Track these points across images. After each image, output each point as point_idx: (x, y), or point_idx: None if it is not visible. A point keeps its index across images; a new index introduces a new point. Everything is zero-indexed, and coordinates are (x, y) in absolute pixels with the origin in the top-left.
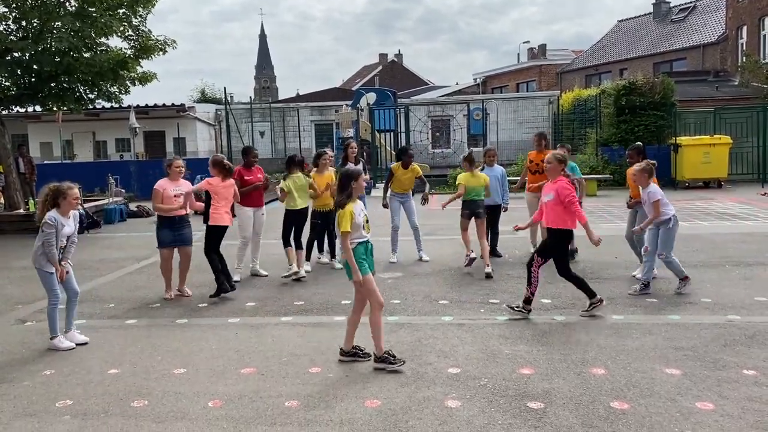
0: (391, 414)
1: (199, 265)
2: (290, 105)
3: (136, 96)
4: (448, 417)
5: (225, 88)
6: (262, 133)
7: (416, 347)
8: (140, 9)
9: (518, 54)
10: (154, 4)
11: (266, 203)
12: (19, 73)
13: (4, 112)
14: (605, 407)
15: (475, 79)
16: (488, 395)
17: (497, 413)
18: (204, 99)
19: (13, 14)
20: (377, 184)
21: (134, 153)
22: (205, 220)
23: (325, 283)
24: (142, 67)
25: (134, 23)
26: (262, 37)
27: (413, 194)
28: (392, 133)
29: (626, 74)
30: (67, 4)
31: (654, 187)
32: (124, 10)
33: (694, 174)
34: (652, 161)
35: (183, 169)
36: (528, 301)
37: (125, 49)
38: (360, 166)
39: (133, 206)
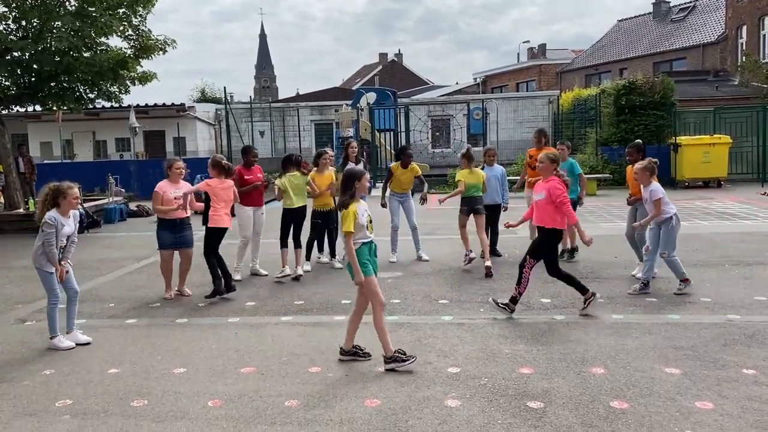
0: (391, 413)
1: (199, 265)
2: (290, 105)
3: (136, 96)
4: (448, 416)
5: (225, 87)
6: (262, 133)
7: (416, 347)
8: (140, 9)
9: (518, 54)
10: (154, 4)
11: (266, 203)
12: (19, 72)
13: (4, 112)
14: (605, 407)
15: (475, 79)
16: (488, 395)
17: (497, 413)
18: (204, 99)
19: (13, 14)
20: (377, 184)
21: (134, 152)
22: (205, 222)
23: (325, 283)
24: (142, 66)
25: (134, 23)
26: (262, 36)
27: (412, 194)
28: (392, 133)
29: (626, 74)
30: (67, 3)
31: (656, 185)
32: (124, 9)
33: (694, 173)
34: (654, 159)
35: (183, 171)
36: (514, 300)
37: (125, 48)
38: (360, 166)
39: (133, 206)
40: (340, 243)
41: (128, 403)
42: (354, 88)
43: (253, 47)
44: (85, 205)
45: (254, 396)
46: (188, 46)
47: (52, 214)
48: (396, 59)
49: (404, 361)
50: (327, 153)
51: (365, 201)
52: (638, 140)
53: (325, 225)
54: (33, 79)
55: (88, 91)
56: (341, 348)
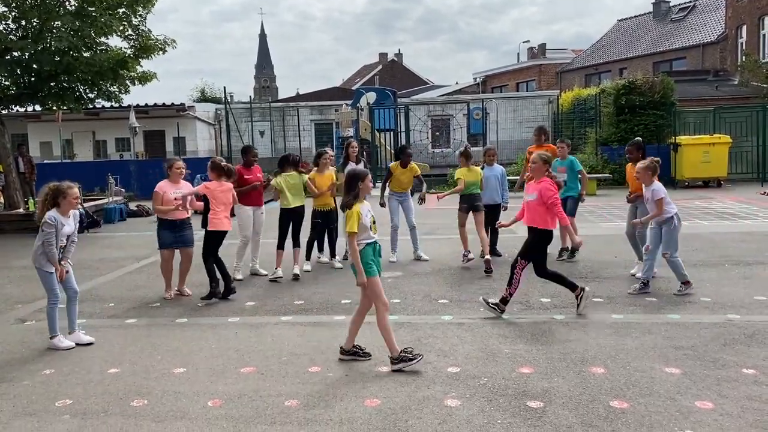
0: (391, 413)
1: (200, 265)
2: (290, 104)
3: (136, 95)
4: (448, 416)
5: (225, 87)
6: (261, 133)
7: (416, 346)
8: (140, 8)
9: (518, 54)
10: (154, 4)
11: (265, 202)
12: (18, 72)
13: (3, 112)
14: (605, 406)
15: (475, 79)
16: (488, 394)
17: (497, 412)
18: (204, 98)
19: (13, 14)
20: (376, 184)
21: (134, 152)
22: (204, 225)
23: (325, 283)
24: (141, 66)
25: (134, 23)
26: (262, 36)
27: (412, 194)
28: (392, 133)
29: (626, 73)
30: (67, 3)
31: (658, 185)
32: (123, 9)
33: (694, 173)
34: (656, 158)
35: (184, 171)
36: (504, 301)
37: (125, 48)
38: (361, 166)
39: (132, 206)
40: (340, 243)
41: (128, 402)
42: (354, 87)
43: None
44: (85, 204)
45: (254, 396)
46: (188, 46)
47: (52, 213)
48: (396, 59)
49: (411, 360)
50: (327, 153)
51: (367, 201)
52: (638, 138)
53: (326, 225)
54: (33, 78)
55: (87, 90)
56: (341, 347)
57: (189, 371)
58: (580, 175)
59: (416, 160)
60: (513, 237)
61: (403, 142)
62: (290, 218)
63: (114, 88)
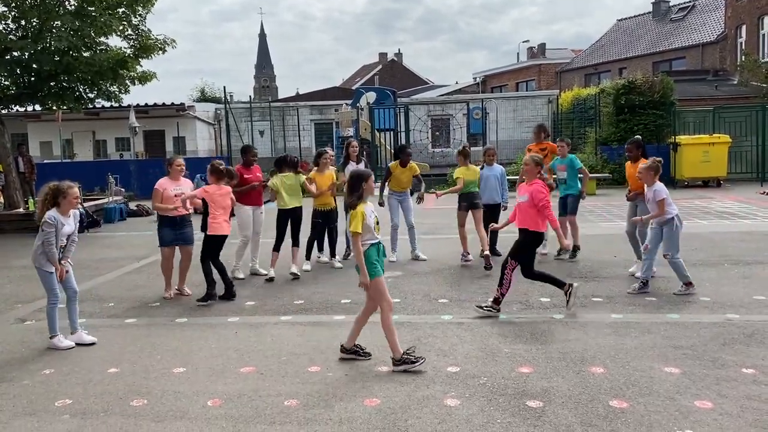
0: (391, 413)
1: (199, 264)
2: (290, 104)
3: (136, 95)
4: (447, 416)
5: (225, 87)
6: (261, 132)
7: (416, 346)
8: (140, 8)
9: (518, 53)
10: (154, 4)
11: (264, 202)
12: (18, 72)
13: (3, 112)
14: (604, 406)
15: (475, 79)
16: (487, 394)
17: (496, 412)
18: (204, 98)
19: (13, 13)
20: (376, 183)
21: (134, 152)
22: (204, 229)
23: (325, 282)
24: (141, 66)
25: (134, 22)
26: (262, 36)
27: (411, 193)
28: (392, 132)
29: (625, 73)
30: (67, 3)
31: (660, 185)
32: (123, 9)
33: (694, 173)
34: (658, 159)
35: (184, 168)
36: (497, 301)
37: (125, 48)
38: (362, 165)
39: (132, 205)
40: (340, 243)
41: (128, 402)
42: (354, 87)
43: (252, 47)
44: (85, 204)
45: (254, 395)
46: (188, 46)
47: (52, 213)
48: (396, 59)
49: (414, 362)
50: (327, 153)
51: (369, 202)
52: (638, 136)
53: (326, 224)
54: (33, 78)
55: (87, 90)
56: (342, 345)
57: (189, 371)
58: (581, 174)
59: (416, 159)
60: (513, 236)
61: (403, 142)
62: (287, 219)
63: (114, 88)
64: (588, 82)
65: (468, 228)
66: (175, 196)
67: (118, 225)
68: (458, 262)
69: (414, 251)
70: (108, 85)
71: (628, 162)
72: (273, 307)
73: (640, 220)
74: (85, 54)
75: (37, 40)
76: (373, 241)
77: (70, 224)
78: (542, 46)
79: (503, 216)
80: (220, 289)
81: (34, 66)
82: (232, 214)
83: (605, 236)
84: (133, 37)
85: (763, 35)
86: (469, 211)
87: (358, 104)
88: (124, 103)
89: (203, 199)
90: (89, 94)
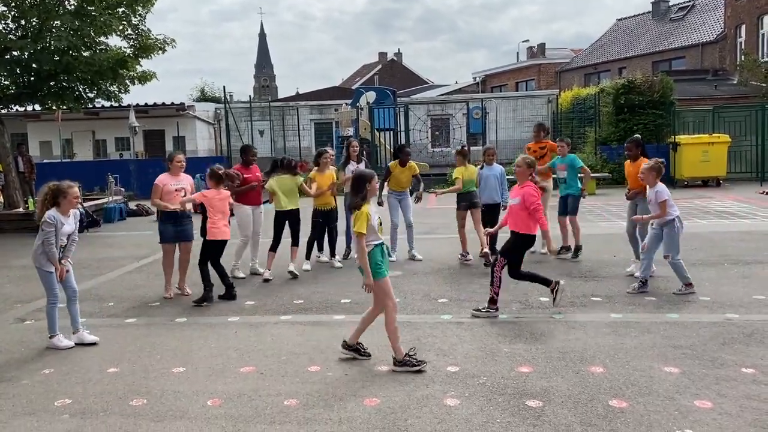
0: (390, 412)
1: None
2: (290, 104)
3: (136, 95)
4: (447, 415)
5: (224, 86)
6: (261, 132)
7: (415, 345)
8: (139, 8)
9: (517, 53)
10: (154, 3)
11: (263, 202)
12: (18, 72)
13: (3, 111)
14: (604, 405)
15: (475, 78)
16: (487, 393)
17: (496, 411)
18: (203, 98)
19: (13, 13)
20: None
21: (134, 152)
22: (203, 234)
23: (325, 282)
24: (141, 66)
25: (133, 22)
26: (262, 36)
27: (410, 193)
28: (392, 132)
29: (625, 73)
30: (67, 3)
31: (662, 186)
32: (123, 9)
33: (693, 172)
34: (660, 160)
35: (184, 164)
36: (493, 301)
37: (125, 48)
38: (362, 165)
39: (132, 205)
40: (340, 242)
41: (127, 402)
42: (354, 87)
43: (252, 46)
44: (85, 204)
45: (253, 395)
46: (187, 46)
47: (52, 213)
48: (395, 58)
49: (414, 366)
50: (328, 152)
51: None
52: (637, 135)
53: (326, 224)
54: (32, 78)
55: (87, 90)
56: (345, 341)
57: (188, 370)
58: (582, 172)
59: (416, 159)
60: None
61: (403, 142)
62: (284, 221)
63: (113, 88)
64: (588, 82)
65: (468, 228)
66: (176, 191)
67: (118, 225)
68: (458, 261)
69: (410, 251)
70: (108, 85)
71: (628, 161)
72: (273, 307)
73: (642, 219)
74: (85, 54)
75: (36, 39)
76: (377, 242)
77: (70, 224)
78: (542, 46)
79: (503, 216)
80: (219, 289)
81: (34, 66)
82: (231, 214)
83: (605, 236)
84: (133, 36)
85: (763, 35)
86: (468, 211)
87: (357, 104)
88: (124, 103)
89: (201, 207)
90: (89, 94)
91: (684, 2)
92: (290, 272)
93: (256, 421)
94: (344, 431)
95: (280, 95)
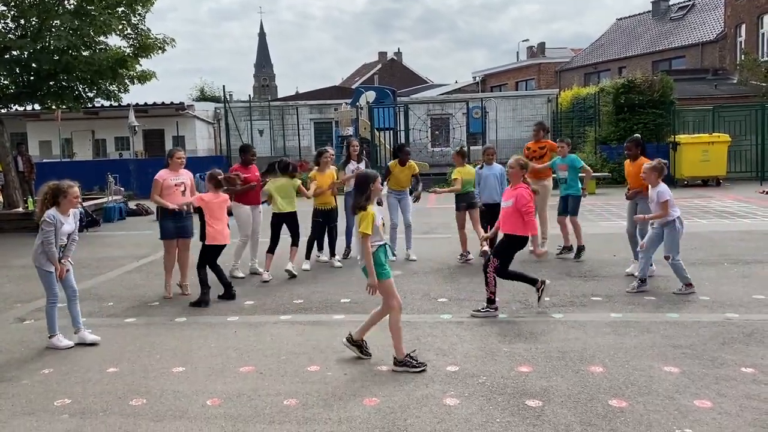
0: (390, 412)
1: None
2: (289, 103)
3: (136, 94)
4: (447, 415)
5: (224, 86)
6: (261, 132)
7: (415, 345)
8: (139, 7)
9: (517, 52)
10: (153, 3)
11: (262, 203)
12: (17, 71)
13: (2, 111)
14: (603, 405)
15: (475, 78)
16: (486, 393)
17: (495, 411)
18: (203, 97)
19: (12, 12)
20: None
21: (133, 151)
22: (202, 238)
23: (325, 282)
24: (141, 65)
25: (133, 22)
26: (262, 35)
27: (410, 192)
28: (392, 132)
29: (625, 72)
30: (66, 2)
31: (663, 186)
32: (123, 8)
33: (693, 172)
34: (663, 160)
35: (184, 161)
36: (491, 301)
37: (124, 47)
38: (363, 165)
39: (132, 204)
40: (340, 242)
41: (127, 402)
42: (353, 86)
43: (252, 46)
44: (85, 204)
45: (253, 395)
46: (187, 45)
47: (52, 212)
48: (395, 58)
49: (415, 367)
50: (328, 152)
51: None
52: (637, 135)
53: (326, 224)
54: (32, 77)
55: (87, 90)
56: (351, 335)
57: (188, 370)
58: (583, 172)
59: (416, 159)
60: None
61: (403, 141)
62: (281, 223)
63: (113, 87)
64: (587, 82)
65: (468, 228)
66: (175, 185)
67: (118, 224)
68: (457, 261)
69: (407, 250)
70: (107, 85)
71: (627, 161)
72: (272, 307)
73: (643, 218)
74: (85, 53)
75: (36, 39)
76: (381, 243)
77: (70, 223)
78: (542, 45)
79: None
80: (219, 289)
81: (34, 65)
82: (229, 214)
83: (605, 235)
84: (133, 36)
85: (763, 34)
86: (467, 212)
87: (357, 103)
88: (124, 103)
89: (199, 210)
90: (88, 94)
91: (684, 2)
92: (287, 271)
93: (256, 420)
94: (344, 431)
95: (280, 95)
